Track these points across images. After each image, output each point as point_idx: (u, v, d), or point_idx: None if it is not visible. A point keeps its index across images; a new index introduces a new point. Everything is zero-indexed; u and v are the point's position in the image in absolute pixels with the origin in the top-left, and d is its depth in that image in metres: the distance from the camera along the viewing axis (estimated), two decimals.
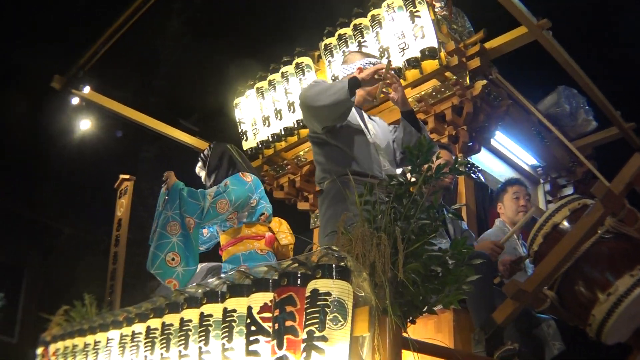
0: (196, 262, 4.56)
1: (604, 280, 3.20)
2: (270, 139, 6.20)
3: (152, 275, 4.58)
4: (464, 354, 3.22)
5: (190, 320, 3.13)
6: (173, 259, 4.42)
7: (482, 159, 5.64)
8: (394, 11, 5.12)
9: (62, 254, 12.63)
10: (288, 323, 2.53)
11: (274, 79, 6.16)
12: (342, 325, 2.41)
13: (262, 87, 6.29)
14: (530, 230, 3.68)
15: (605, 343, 3.25)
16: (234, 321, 2.84)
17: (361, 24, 5.37)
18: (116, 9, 6.02)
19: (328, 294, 2.43)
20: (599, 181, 3.41)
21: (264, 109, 6.26)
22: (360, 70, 3.95)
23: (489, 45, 5.18)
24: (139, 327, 3.51)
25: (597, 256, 3.27)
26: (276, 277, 2.71)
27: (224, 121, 7.29)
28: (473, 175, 5.32)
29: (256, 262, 4.48)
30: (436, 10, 5.22)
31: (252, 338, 2.67)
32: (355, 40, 5.38)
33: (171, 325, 3.25)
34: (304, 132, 5.80)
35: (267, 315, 2.67)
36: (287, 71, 6.02)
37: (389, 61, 3.92)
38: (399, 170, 4.27)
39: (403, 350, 2.51)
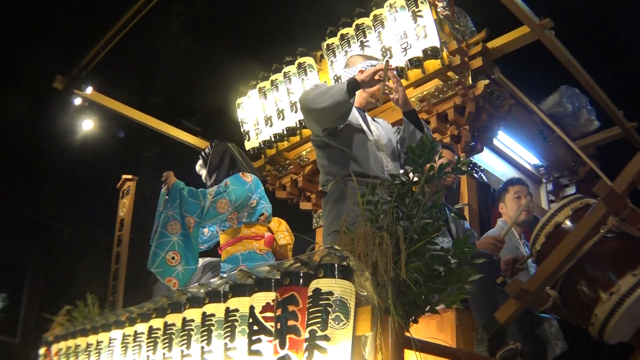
0: (196, 261, 4.57)
1: (607, 279, 3.20)
2: (273, 139, 6.21)
3: (154, 275, 4.59)
4: (467, 353, 3.21)
5: (192, 320, 3.13)
6: (173, 258, 4.43)
7: (485, 159, 5.64)
8: (397, 11, 5.12)
9: (64, 254, 12.64)
10: (290, 322, 2.52)
11: (276, 79, 6.16)
12: (344, 324, 2.40)
13: (265, 87, 6.29)
14: (533, 230, 3.68)
15: (608, 342, 3.24)
16: (237, 321, 2.84)
17: (363, 23, 5.37)
18: (118, 9, 6.02)
19: (330, 293, 2.43)
20: (601, 180, 3.40)
21: (266, 108, 6.27)
22: (362, 72, 3.96)
23: (491, 44, 5.18)
24: (141, 327, 3.51)
25: (600, 255, 3.26)
26: (278, 277, 2.71)
27: (226, 121, 7.29)
28: (475, 175, 5.32)
29: (255, 262, 4.49)
30: (438, 10, 5.22)
31: (254, 337, 2.67)
32: (358, 40, 5.37)
33: (173, 325, 3.25)
34: (306, 132, 5.80)
35: (270, 314, 2.67)
36: (289, 71, 6.02)
37: (387, 61, 3.91)
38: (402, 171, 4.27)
39: (405, 350, 2.51)
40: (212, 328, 2.98)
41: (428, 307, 2.60)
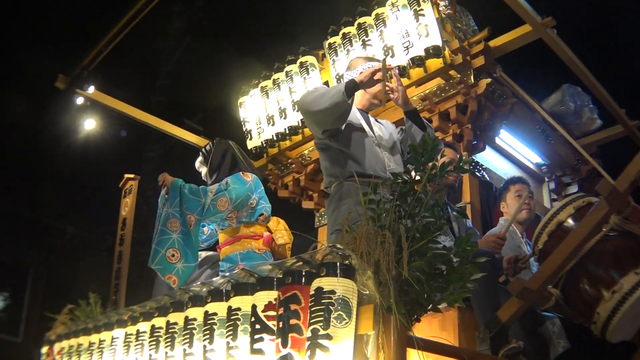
0: (196, 258, 4.58)
1: (609, 278, 3.20)
2: (275, 138, 6.20)
3: (156, 274, 4.60)
4: (469, 352, 3.22)
5: (194, 319, 3.14)
6: (173, 255, 4.44)
7: (487, 157, 5.64)
8: (398, 10, 5.12)
9: (66, 253, 12.64)
10: (292, 321, 2.53)
11: (279, 78, 6.16)
12: (346, 323, 2.41)
13: (267, 86, 6.29)
14: (535, 228, 3.68)
15: (610, 341, 3.24)
16: (239, 319, 2.84)
17: (365, 22, 5.36)
18: (120, 8, 6.02)
19: (332, 292, 2.43)
20: (603, 179, 3.39)
21: (269, 108, 6.26)
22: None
23: (493, 43, 5.17)
24: (144, 326, 3.52)
25: (602, 254, 3.26)
26: (281, 276, 2.71)
27: (229, 120, 7.29)
28: (477, 174, 5.32)
29: (253, 261, 4.52)
30: (440, 8, 5.22)
31: (256, 336, 2.68)
32: (360, 39, 5.37)
33: (176, 324, 3.25)
34: (309, 131, 5.80)
35: (272, 313, 2.68)
36: (291, 70, 6.01)
37: (383, 60, 3.91)
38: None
39: (407, 349, 2.51)
40: (215, 327, 2.99)
41: (430, 305, 2.61)
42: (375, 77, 3.82)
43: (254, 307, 2.73)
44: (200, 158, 5.11)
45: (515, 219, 4.63)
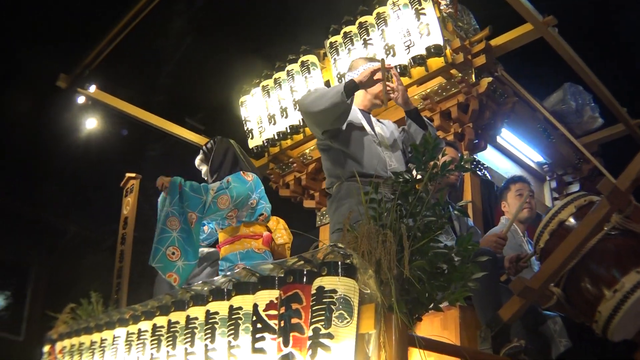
0: (196, 256, 4.58)
1: (610, 277, 3.20)
2: (276, 137, 6.21)
3: (156, 272, 4.61)
4: (470, 351, 3.22)
5: (196, 318, 3.14)
6: (173, 253, 4.44)
7: (488, 156, 5.64)
8: (400, 9, 5.11)
9: (67, 252, 12.64)
10: (294, 320, 2.53)
11: (280, 77, 6.16)
12: (348, 322, 2.41)
13: (268, 85, 6.29)
14: (536, 227, 3.68)
15: (612, 340, 3.24)
16: (240, 319, 2.84)
17: (366, 21, 5.36)
18: (121, 8, 6.02)
19: (334, 291, 2.43)
20: (605, 178, 3.39)
21: (270, 107, 6.27)
22: None
23: (494, 42, 5.17)
24: (145, 325, 3.52)
25: (603, 253, 3.26)
26: (282, 275, 2.72)
27: (230, 119, 7.29)
28: (479, 173, 5.32)
29: (253, 260, 4.53)
30: (442, 7, 5.22)
31: (258, 335, 2.68)
32: (361, 38, 5.37)
33: (177, 323, 3.25)
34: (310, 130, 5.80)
35: (273, 312, 2.68)
36: (292, 69, 6.01)
37: (382, 60, 3.92)
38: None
39: (409, 348, 2.51)
40: (216, 326, 2.99)
41: (432, 304, 2.61)
42: (375, 77, 3.83)
43: (255, 306, 2.74)
44: (200, 156, 5.11)
45: (516, 218, 4.63)
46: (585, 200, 3.52)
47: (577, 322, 3.56)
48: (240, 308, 2.86)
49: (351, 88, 3.77)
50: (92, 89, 6.43)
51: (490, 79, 5.10)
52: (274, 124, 6.21)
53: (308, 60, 5.91)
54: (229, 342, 2.85)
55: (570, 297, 3.39)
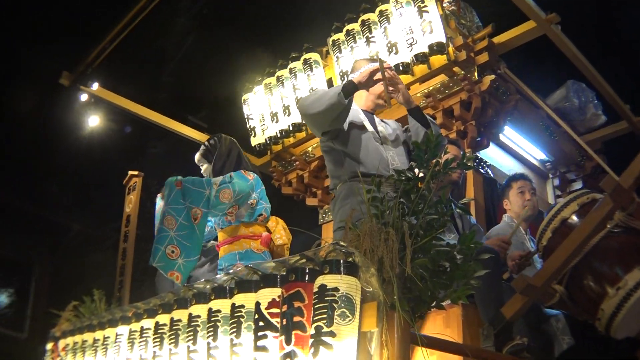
0: (198, 252, 4.55)
1: (613, 274, 3.19)
2: (279, 135, 6.21)
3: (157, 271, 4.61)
4: (473, 349, 3.22)
5: (198, 316, 3.14)
6: (173, 252, 4.43)
7: (491, 154, 5.63)
8: (402, 6, 5.11)
9: (70, 250, 12.66)
10: (296, 318, 2.53)
11: (282, 75, 6.16)
12: (350, 320, 2.41)
13: (270, 83, 6.29)
14: (539, 225, 3.67)
15: (615, 337, 3.24)
16: (242, 317, 2.85)
17: (369, 19, 5.36)
18: (123, 5, 6.02)
19: (336, 289, 2.43)
20: (608, 175, 3.40)
21: (272, 105, 6.26)
22: None
23: (497, 40, 5.16)
24: (148, 323, 3.52)
25: (606, 250, 3.26)
26: (284, 273, 2.71)
27: (232, 117, 7.28)
28: (481, 170, 5.32)
29: (252, 260, 4.51)
30: (444, 5, 5.21)
31: (260, 333, 2.68)
32: (363, 36, 5.37)
33: (179, 321, 3.26)
34: None
35: (275, 310, 2.68)
36: (295, 67, 6.01)
37: (381, 59, 3.91)
38: None
39: (411, 346, 2.51)
40: (218, 324, 2.99)
41: (434, 302, 2.61)
42: (375, 77, 3.83)
43: (257, 304, 2.74)
44: (201, 151, 5.08)
45: (520, 219, 4.64)
46: (588, 197, 3.52)
47: (580, 320, 3.56)
48: (242, 306, 2.86)
49: (350, 89, 3.77)
50: (95, 86, 6.43)
51: (492, 76, 5.09)
52: (277, 121, 6.20)
53: (311, 58, 5.91)
54: (232, 340, 2.85)
55: (573, 295, 3.39)
